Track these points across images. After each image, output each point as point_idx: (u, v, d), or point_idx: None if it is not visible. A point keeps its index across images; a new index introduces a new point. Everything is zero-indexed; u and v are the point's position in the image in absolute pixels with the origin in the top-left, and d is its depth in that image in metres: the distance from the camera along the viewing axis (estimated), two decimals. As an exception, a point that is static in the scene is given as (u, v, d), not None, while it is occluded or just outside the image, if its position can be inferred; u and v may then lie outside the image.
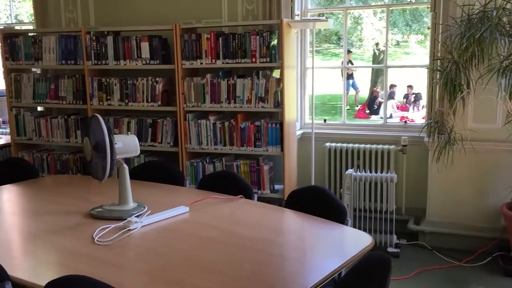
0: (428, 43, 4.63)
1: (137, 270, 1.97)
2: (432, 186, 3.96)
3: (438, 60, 3.69)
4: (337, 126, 4.55)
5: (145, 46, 4.10)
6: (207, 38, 3.94)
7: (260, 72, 3.91)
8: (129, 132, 4.20)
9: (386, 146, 4.16)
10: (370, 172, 4.09)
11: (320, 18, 3.96)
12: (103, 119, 2.43)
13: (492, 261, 3.64)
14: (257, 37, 3.81)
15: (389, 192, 3.93)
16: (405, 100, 10.71)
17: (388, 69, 4.55)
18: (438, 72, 3.66)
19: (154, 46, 4.11)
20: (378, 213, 3.98)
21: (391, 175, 3.95)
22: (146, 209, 2.53)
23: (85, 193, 3.01)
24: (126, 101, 4.24)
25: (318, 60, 13.63)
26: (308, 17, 4.37)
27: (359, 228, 3.86)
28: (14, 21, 6.80)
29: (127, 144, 2.58)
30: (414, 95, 10.48)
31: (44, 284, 1.64)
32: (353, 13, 13.31)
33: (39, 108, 4.80)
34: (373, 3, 10.95)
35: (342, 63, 10.20)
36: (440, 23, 3.76)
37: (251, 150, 3.97)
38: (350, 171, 3.97)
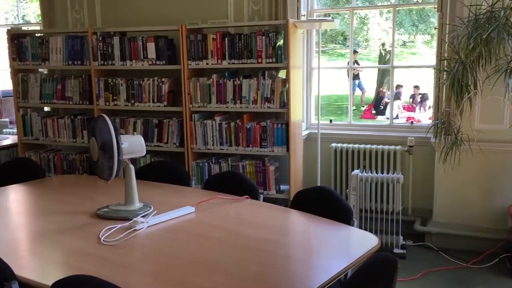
0: (434, 43, 4.61)
1: (143, 270, 1.97)
2: (438, 187, 3.94)
3: (445, 61, 3.67)
4: (343, 127, 4.54)
5: (151, 46, 4.11)
6: (213, 39, 3.94)
7: (266, 72, 3.91)
8: (135, 133, 4.21)
9: (392, 147, 4.15)
10: (376, 172, 4.08)
11: (326, 18, 3.95)
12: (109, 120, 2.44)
13: (499, 263, 3.62)
14: (263, 37, 3.81)
15: (395, 193, 3.91)
16: (411, 100, 10.67)
17: (395, 69, 4.54)
18: (445, 73, 3.64)
19: (160, 47, 4.11)
20: (384, 214, 3.96)
21: (398, 175, 3.94)
22: (152, 209, 2.53)
23: (91, 193, 3.02)
24: (132, 101, 4.25)
25: (324, 61, 13.62)
26: (314, 17, 4.36)
27: (365, 229, 3.85)
28: (21, 21, 6.84)
29: (133, 144, 2.59)
30: (420, 96, 10.44)
31: (50, 284, 1.65)
32: (359, 13, 13.28)
33: (46, 108, 4.82)
34: (380, 3, 10.90)
35: (348, 64, 10.18)
36: (447, 23, 3.74)
37: (257, 151, 3.97)
38: (356, 171, 3.96)
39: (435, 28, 4.17)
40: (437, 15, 3.99)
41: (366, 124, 4.88)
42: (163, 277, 1.89)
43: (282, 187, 4.07)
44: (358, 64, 12.17)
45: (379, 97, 11.39)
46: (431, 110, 4.77)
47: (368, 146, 4.21)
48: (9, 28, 4.64)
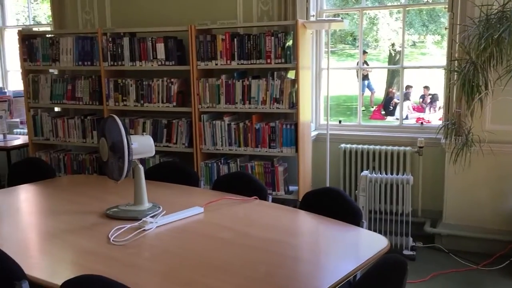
0: (445, 44, 4.58)
1: (152, 270, 1.97)
2: (449, 188, 3.91)
3: (456, 61, 3.65)
4: (352, 127, 4.53)
5: (160, 47, 4.13)
6: (222, 39, 3.94)
7: (275, 73, 3.91)
8: (144, 133, 4.23)
9: (402, 148, 4.12)
10: (386, 173, 4.05)
11: (336, 18, 3.94)
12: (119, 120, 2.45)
13: (510, 265, 3.58)
14: (272, 38, 3.81)
15: (405, 194, 3.89)
16: (421, 100, 10.60)
17: (404, 70, 4.51)
18: (455, 73, 3.61)
19: (169, 47, 4.13)
20: (394, 215, 3.94)
21: (407, 176, 3.91)
22: (161, 209, 2.54)
23: (101, 193, 3.04)
24: (142, 101, 4.27)
25: (333, 61, 13.55)
26: (324, 18, 4.35)
27: (375, 231, 3.83)
28: (32, 22, 6.90)
29: (142, 144, 2.60)
30: (430, 96, 10.38)
31: (60, 284, 1.66)
32: (369, 13, 13.22)
33: (56, 109, 4.85)
34: (389, 4, 10.85)
35: (357, 64, 10.15)
36: (458, 23, 3.72)
37: (266, 151, 3.97)
38: (365, 172, 3.94)
39: (445, 28, 4.14)
40: (447, 15, 3.96)
41: (376, 125, 4.86)
42: (172, 277, 1.90)
43: (291, 188, 4.07)
44: (368, 65, 12.13)
45: (388, 97, 11.33)
46: (441, 110, 4.74)
47: (377, 147, 4.19)
48: (20, 29, 4.69)
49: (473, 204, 3.85)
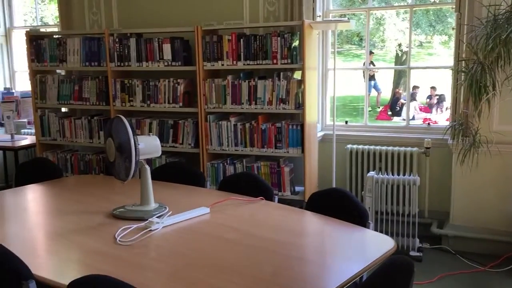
0: (452, 44, 4.56)
1: (158, 270, 1.98)
2: (456, 189, 3.89)
3: (463, 61, 3.63)
4: (358, 128, 4.52)
5: (167, 47, 4.14)
6: (229, 40, 3.95)
7: (281, 73, 3.90)
8: (150, 133, 4.24)
9: (408, 148, 4.11)
10: (392, 174, 4.04)
11: (342, 19, 3.93)
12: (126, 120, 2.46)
13: (518, 267, 3.56)
14: (279, 38, 3.81)
15: (412, 195, 3.87)
16: (428, 100, 10.56)
17: (411, 70, 4.49)
18: (462, 74, 3.60)
19: (176, 48, 4.13)
20: (400, 216, 3.92)
21: (414, 177, 3.90)
22: (167, 209, 2.54)
23: (107, 193, 3.05)
24: (148, 102, 4.28)
25: (340, 61, 13.52)
26: (330, 18, 4.34)
27: (381, 232, 3.81)
28: (39, 23, 6.94)
29: (149, 145, 2.61)
30: (437, 97, 10.34)
31: (67, 283, 1.66)
32: (375, 13, 13.19)
33: (63, 109, 4.88)
34: (396, 4, 10.82)
35: (364, 64, 10.13)
36: (465, 23, 3.70)
37: (272, 152, 3.97)
38: (371, 173, 3.93)
39: (452, 29, 4.12)
40: (455, 15, 3.94)
41: (382, 125, 4.84)
42: (178, 277, 1.90)
43: (297, 188, 4.06)
44: (374, 65, 12.10)
45: (395, 98, 11.30)
46: (448, 111, 4.71)
47: (384, 147, 4.18)
48: (28, 30, 4.71)
49: (481, 205, 3.83)
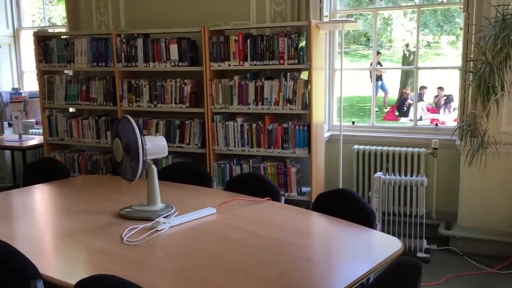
0: (460, 44, 4.54)
1: (164, 270, 1.98)
2: (464, 190, 3.87)
3: (471, 62, 3.61)
4: (365, 128, 4.50)
5: (174, 48, 4.14)
6: (235, 40, 3.95)
7: (288, 73, 3.90)
8: (157, 133, 4.25)
9: (416, 149, 4.08)
10: (400, 175, 4.02)
11: (349, 19, 3.92)
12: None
13: (526, 269, 3.53)
14: (285, 38, 3.80)
15: (419, 196, 3.85)
16: (435, 99, 10.51)
17: (419, 70, 4.47)
18: (471, 74, 3.57)
19: (182, 48, 4.14)
20: (407, 217, 3.91)
21: (421, 178, 3.88)
22: (174, 210, 2.55)
23: (114, 193, 3.06)
24: (155, 102, 4.29)
25: (347, 62, 13.49)
26: (337, 18, 4.33)
27: (388, 233, 3.79)
28: (47, 24, 6.97)
29: (156, 145, 2.61)
30: (445, 97, 10.28)
31: (74, 283, 1.67)
32: (382, 13, 13.14)
33: (70, 109, 4.90)
34: (404, 4, 10.76)
35: (371, 65, 10.09)
36: (474, 23, 3.67)
37: (278, 152, 3.96)
38: (379, 174, 3.91)
39: (460, 29, 4.10)
40: (463, 16, 3.92)
41: (389, 126, 4.82)
42: (184, 277, 1.90)
43: (304, 189, 4.05)
44: (381, 65, 12.06)
45: (402, 98, 11.25)
46: (456, 112, 4.68)
47: (391, 148, 4.16)
48: (36, 30, 4.74)
49: (489, 206, 3.80)
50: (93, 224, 2.46)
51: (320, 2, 4.14)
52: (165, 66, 4.20)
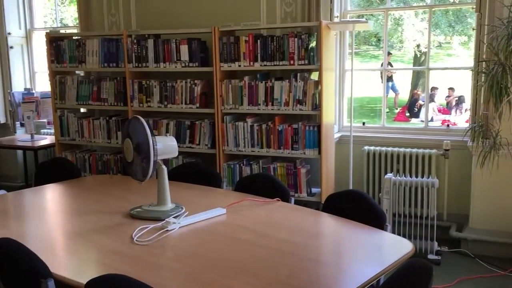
0: (472, 45, 4.50)
1: (174, 270, 1.98)
2: (475, 192, 3.83)
3: (484, 62, 3.57)
4: (376, 129, 4.48)
5: (184, 49, 4.16)
6: (246, 41, 3.95)
7: (298, 74, 3.89)
8: (167, 134, 4.26)
9: (427, 150, 4.06)
10: (411, 176, 3.99)
11: (360, 19, 3.91)
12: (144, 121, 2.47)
13: (539, 272, 3.49)
14: (296, 39, 3.80)
15: (430, 198, 3.83)
16: (447, 98, 10.42)
17: (430, 71, 4.44)
18: (483, 75, 3.54)
19: (193, 49, 4.15)
20: (418, 219, 3.88)
21: (432, 180, 3.85)
22: (183, 210, 2.55)
23: (124, 193, 3.07)
24: (165, 103, 4.30)
25: (357, 62, 13.46)
26: (348, 19, 4.32)
27: (399, 234, 3.78)
28: (59, 25, 7.03)
29: (166, 145, 2.62)
30: (456, 98, 10.20)
31: (84, 282, 1.68)
32: (393, 14, 13.07)
33: (82, 110, 4.93)
34: (415, 4, 10.70)
35: (381, 65, 10.05)
36: (486, 24, 3.64)
37: (288, 153, 3.95)
38: (389, 175, 3.89)
39: (473, 29, 4.06)
40: (475, 16, 3.88)
41: (400, 127, 4.79)
42: (194, 277, 1.91)
43: (314, 190, 4.04)
44: (392, 66, 11.99)
45: (413, 99, 11.18)
46: (468, 113, 4.64)
47: (402, 149, 4.14)
48: (48, 31, 4.78)
49: (501, 208, 3.76)
50: (104, 224, 2.48)
51: (331, 2, 4.13)
52: (176, 67, 4.22)
